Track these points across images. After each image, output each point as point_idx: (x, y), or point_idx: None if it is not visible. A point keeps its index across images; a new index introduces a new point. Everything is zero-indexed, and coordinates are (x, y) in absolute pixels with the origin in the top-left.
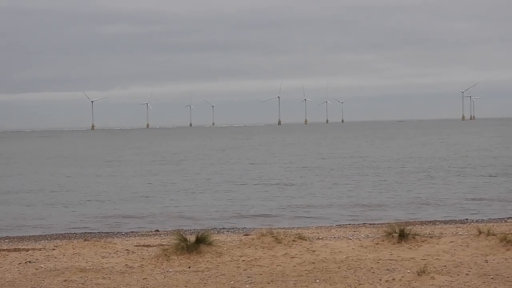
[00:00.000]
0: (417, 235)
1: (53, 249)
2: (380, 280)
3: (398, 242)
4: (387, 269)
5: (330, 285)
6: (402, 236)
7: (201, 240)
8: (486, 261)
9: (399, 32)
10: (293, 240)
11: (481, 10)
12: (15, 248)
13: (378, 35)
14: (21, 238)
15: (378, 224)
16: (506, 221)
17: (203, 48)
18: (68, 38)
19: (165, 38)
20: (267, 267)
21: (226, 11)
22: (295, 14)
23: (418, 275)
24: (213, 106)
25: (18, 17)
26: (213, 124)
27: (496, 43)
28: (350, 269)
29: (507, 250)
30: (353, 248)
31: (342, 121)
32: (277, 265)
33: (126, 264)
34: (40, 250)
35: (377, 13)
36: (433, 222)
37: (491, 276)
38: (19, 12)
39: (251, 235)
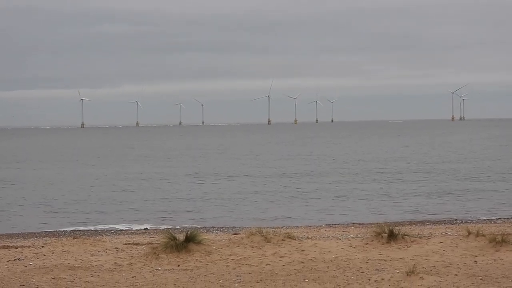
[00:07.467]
0: (406, 235)
1: (42, 246)
2: (369, 280)
3: (387, 242)
4: (376, 269)
5: (319, 284)
6: (392, 236)
7: (190, 239)
8: (475, 262)
9: (390, 35)
10: (282, 240)
11: (470, 14)
12: (4, 246)
13: (369, 38)
14: (10, 236)
15: (367, 224)
16: (495, 222)
17: (193, 47)
18: (59, 37)
19: (156, 38)
20: (256, 266)
21: (219, 12)
22: (287, 17)
23: (407, 275)
24: (202, 105)
25: (8, 16)
26: (202, 123)
27: (484, 46)
28: (339, 268)
29: (496, 251)
30: (342, 248)
31: (332, 121)
32: (266, 264)
33: (115, 262)
34: (29, 248)
35: (368, 17)
36: (423, 223)
37: (480, 277)
38: (10, 11)
39: (240, 234)
